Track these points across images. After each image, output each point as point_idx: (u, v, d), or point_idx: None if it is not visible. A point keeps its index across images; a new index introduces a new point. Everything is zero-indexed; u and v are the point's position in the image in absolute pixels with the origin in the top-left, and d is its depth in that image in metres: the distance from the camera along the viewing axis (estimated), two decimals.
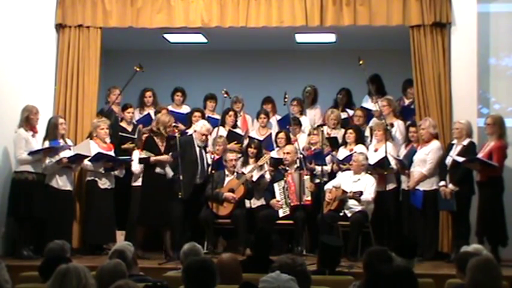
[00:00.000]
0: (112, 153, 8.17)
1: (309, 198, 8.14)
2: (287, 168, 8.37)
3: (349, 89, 9.46)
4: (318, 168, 8.28)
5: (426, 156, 7.87)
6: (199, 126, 8.30)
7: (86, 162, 8.03)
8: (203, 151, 8.29)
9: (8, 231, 7.97)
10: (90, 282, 3.47)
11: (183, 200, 7.81)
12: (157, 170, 8.03)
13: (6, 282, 4.37)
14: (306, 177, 8.16)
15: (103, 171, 8.06)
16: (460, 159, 7.50)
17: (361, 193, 7.78)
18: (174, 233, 7.95)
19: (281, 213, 8.19)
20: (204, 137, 8.24)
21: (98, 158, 7.98)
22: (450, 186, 7.63)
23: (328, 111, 9.03)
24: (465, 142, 7.69)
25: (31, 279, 4.80)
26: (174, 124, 8.35)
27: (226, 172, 8.35)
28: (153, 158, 7.96)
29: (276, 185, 8.30)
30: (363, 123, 8.82)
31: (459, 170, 7.58)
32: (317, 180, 8.28)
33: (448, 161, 7.72)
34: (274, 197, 8.27)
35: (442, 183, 7.70)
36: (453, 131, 7.84)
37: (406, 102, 9.04)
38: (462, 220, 7.63)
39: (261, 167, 8.45)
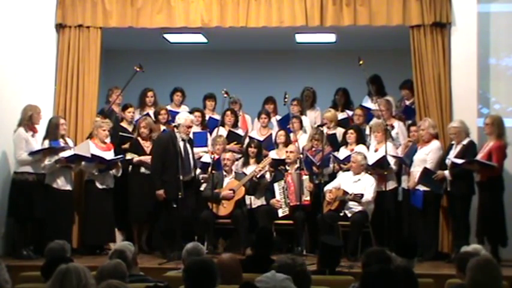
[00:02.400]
0: (111, 153, 8.17)
1: (308, 198, 8.15)
2: (287, 168, 8.37)
3: (347, 88, 9.46)
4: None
5: (426, 156, 7.87)
6: (183, 118, 8.05)
7: (82, 162, 8.03)
8: (188, 145, 8.06)
9: (8, 231, 7.96)
10: (90, 282, 3.47)
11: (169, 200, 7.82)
12: (142, 170, 8.31)
13: (6, 282, 4.38)
14: (305, 177, 8.17)
15: (96, 173, 8.06)
16: (459, 161, 7.50)
17: (361, 196, 7.77)
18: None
19: (280, 213, 8.20)
20: (189, 130, 8.06)
21: (90, 160, 7.97)
22: (446, 173, 7.65)
23: (324, 111, 9.03)
24: (465, 142, 7.69)
25: (31, 279, 4.81)
26: (174, 124, 8.38)
27: (224, 173, 8.34)
28: (136, 159, 8.26)
29: (276, 185, 8.30)
30: (363, 122, 8.81)
31: (458, 168, 7.59)
32: (316, 181, 8.28)
33: (448, 162, 7.72)
34: (274, 196, 8.28)
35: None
36: (451, 136, 7.83)
37: (407, 102, 9.04)
38: (462, 220, 7.63)
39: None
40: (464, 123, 7.77)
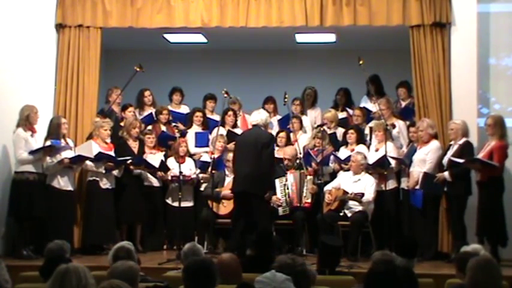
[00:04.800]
0: (112, 153, 8.18)
1: (309, 200, 8.13)
2: (287, 167, 8.37)
3: (348, 88, 9.46)
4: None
5: (425, 156, 7.87)
6: (268, 117, 7.97)
7: (87, 162, 8.03)
8: None
9: (8, 231, 7.96)
10: (90, 282, 3.46)
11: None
12: (135, 172, 8.40)
13: (6, 282, 4.38)
14: (309, 178, 8.14)
15: (104, 172, 8.07)
16: (460, 160, 7.50)
17: (362, 195, 7.77)
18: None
19: (281, 211, 8.19)
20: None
21: (99, 157, 7.99)
22: (446, 174, 7.66)
23: (325, 112, 9.03)
24: (460, 141, 7.69)
25: (31, 279, 4.80)
26: (174, 124, 8.40)
27: (227, 172, 8.33)
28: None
29: (277, 181, 8.24)
30: (362, 123, 8.81)
31: (458, 168, 7.59)
32: (318, 182, 8.27)
33: (444, 161, 7.73)
34: (275, 193, 8.24)
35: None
36: (449, 132, 7.84)
37: (403, 104, 9.04)
38: (457, 221, 7.65)
39: None
40: (465, 123, 7.77)
